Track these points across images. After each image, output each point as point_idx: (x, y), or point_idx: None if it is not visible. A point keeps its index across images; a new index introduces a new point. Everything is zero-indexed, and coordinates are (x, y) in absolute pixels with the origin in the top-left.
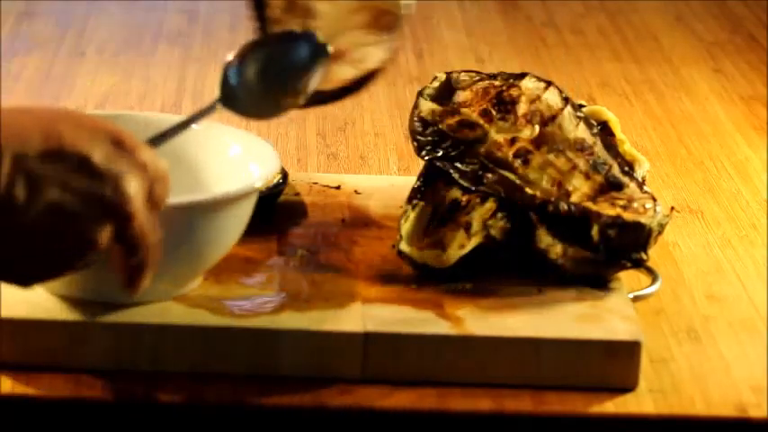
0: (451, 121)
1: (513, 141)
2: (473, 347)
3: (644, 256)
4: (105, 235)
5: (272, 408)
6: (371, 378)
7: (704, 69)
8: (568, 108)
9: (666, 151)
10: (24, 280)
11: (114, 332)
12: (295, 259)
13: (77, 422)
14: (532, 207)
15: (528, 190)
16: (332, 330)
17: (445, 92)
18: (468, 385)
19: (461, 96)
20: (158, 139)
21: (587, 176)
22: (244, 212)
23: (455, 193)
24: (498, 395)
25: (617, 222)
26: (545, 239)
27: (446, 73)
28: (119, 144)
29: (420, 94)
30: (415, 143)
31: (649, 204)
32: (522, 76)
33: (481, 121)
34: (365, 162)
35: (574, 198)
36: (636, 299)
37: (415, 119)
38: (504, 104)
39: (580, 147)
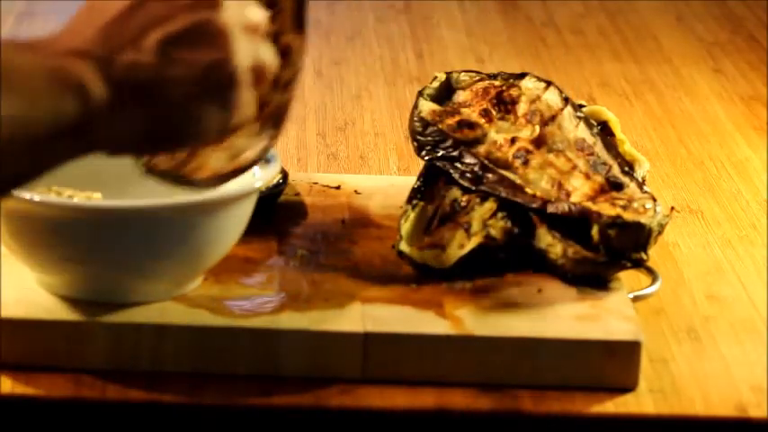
0: (451, 121)
1: (513, 141)
2: (473, 347)
3: (644, 256)
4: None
5: (272, 408)
6: (371, 378)
7: (704, 69)
8: (568, 108)
9: (666, 151)
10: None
11: (114, 332)
12: (295, 259)
13: (77, 422)
14: (532, 207)
15: (528, 190)
16: (332, 330)
17: (445, 92)
18: (468, 385)
19: (461, 96)
20: None
21: (587, 176)
22: (244, 212)
23: (455, 193)
24: (498, 395)
25: (617, 222)
26: (545, 239)
27: (446, 73)
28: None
29: (420, 94)
30: (415, 143)
31: (649, 204)
32: (522, 76)
33: (481, 121)
34: (365, 162)
35: (574, 198)
36: (636, 299)
37: (415, 119)
38: (504, 104)
39: (580, 147)
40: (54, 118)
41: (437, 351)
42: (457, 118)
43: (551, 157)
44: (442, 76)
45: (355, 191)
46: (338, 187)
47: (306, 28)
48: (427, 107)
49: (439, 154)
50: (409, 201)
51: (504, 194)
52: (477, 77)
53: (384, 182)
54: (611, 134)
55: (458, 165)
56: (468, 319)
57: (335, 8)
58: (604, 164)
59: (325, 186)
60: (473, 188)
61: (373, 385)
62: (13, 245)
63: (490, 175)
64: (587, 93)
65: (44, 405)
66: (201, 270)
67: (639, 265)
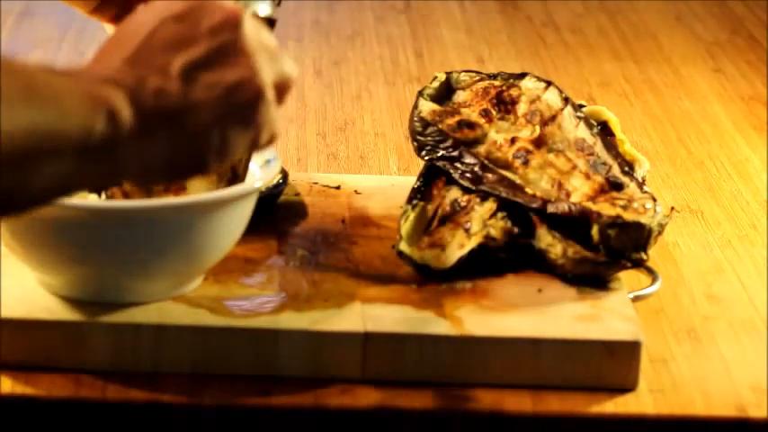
0: (451, 121)
1: (513, 141)
2: (473, 347)
3: (644, 256)
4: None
5: (272, 408)
6: (371, 378)
7: (704, 69)
8: (568, 108)
9: (666, 151)
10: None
11: (114, 332)
12: (295, 259)
13: (77, 422)
14: (532, 207)
15: (528, 190)
16: (332, 330)
17: (445, 92)
18: (468, 385)
19: (461, 96)
20: None
21: (587, 176)
22: (244, 212)
23: (455, 193)
24: (498, 395)
25: (617, 222)
26: (545, 239)
27: (446, 73)
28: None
29: (420, 94)
30: (415, 143)
31: (649, 204)
32: (522, 76)
33: (481, 121)
34: (365, 162)
35: (574, 198)
36: (636, 299)
37: (415, 119)
38: (504, 104)
39: (580, 147)
40: (83, 136)
41: (437, 351)
42: (457, 118)
43: (551, 157)
44: (442, 76)
45: (355, 191)
46: (338, 187)
47: None
48: (427, 107)
49: (439, 154)
50: (409, 201)
51: (504, 194)
52: (477, 77)
53: (384, 182)
54: (611, 134)
55: (458, 165)
56: (468, 319)
57: (335, 8)
58: (604, 164)
59: (325, 186)
60: (473, 188)
61: (373, 385)
62: (14, 245)
63: (490, 175)
64: (587, 93)
65: (44, 405)
66: (201, 270)
67: (639, 265)
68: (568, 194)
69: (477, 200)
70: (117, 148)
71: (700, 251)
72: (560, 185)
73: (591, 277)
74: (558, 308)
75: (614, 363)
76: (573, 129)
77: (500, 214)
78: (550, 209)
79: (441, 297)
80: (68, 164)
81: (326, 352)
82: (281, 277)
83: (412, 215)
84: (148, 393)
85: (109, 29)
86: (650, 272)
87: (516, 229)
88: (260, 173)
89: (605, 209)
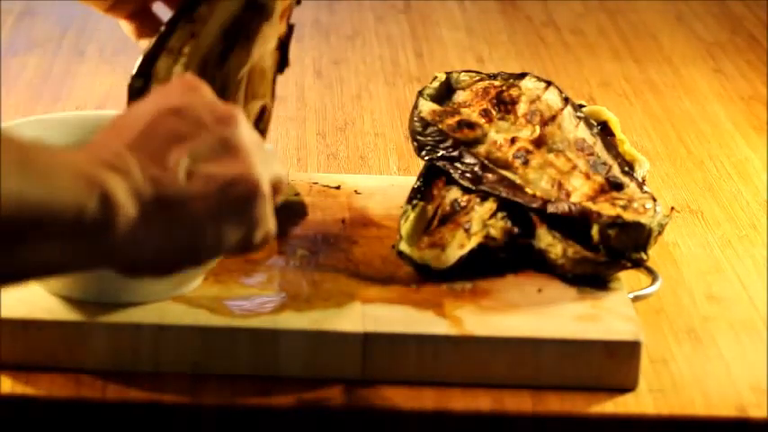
0: (451, 121)
1: (513, 141)
2: (473, 347)
3: (644, 256)
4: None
5: (272, 408)
6: (371, 378)
7: (704, 69)
8: (568, 108)
9: (666, 151)
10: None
11: (114, 332)
12: (295, 259)
13: (77, 422)
14: (532, 207)
15: (528, 190)
16: (332, 330)
17: (445, 92)
18: (468, 385)
19: (461, 96)
20: None
21: (587, 176)
22: None
23: (455, 193)
24: (498, 395)
25: (617, 222)
26: (545, 239)
27: (446, 73)
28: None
29: (420, 94)
30: (415, 143)
31: (649, 204)
32: (522, 76)
33: (481, 121)
34: (365, 162)
35: (574, 198)
36: (636, 299)
37: (415, 119)
38: (504, 104)
39: (580, 147)
40: (74, 215)
41: (437, 351)
42: (457, 118)
43: (551, 157)
44: (442, 76)
45: (355, 191)
46: (338, 187)
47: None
48: (427, 107)
49: (439, 154)
50: (409, 201)
51: (504, 194)
52: (477, 77)
53: (384, 182)
54: (611, 134)
55: (458, 165)
56: (468, 319)
57: (335, 8)
58: (604, 164)
59: (325, 186)
60: (473, 188)
61: (373, 385)
62: None
63: (490, 175)
64: (587, 93)
65: (44, 405)
66: (201, 270)
67: (639, 265)
68: (568, 194)
69: (477, 200)
70: (108, 233)
71: (700, 251)
72: (560, 185)
73: (591, 277)
74: (558, 308)
75: (614, 363)
76: (573, 129)
77: (500, 214)
78: (550, 209)
79: (441, 297)
80: (57, 244)
81: (326, 352)
82: (281, 277)
83: (412, 215)
84: (148, 393)
85: (125, 26)
86: (650, 272)
87: (516, 229)
88: None
89: (605, 209)
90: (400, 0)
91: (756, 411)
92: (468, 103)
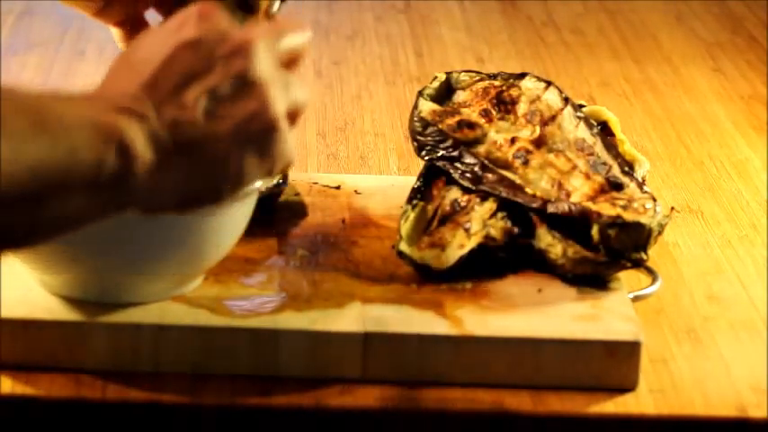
0: (451, 121)
1: (513, 141)
2: (473, 347)
3: (644, 256)
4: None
5: (272, 408)
6: (371, 378)
7: (704, 69)
8: (568, 108)
9: (666, 151)
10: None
11: (114, 332)
12: (295, 259)
13: (77, 422)
14: (532, 207)
15: (528, 190)
16: (332, 330)
17: (445, 92)
18: (468, 385)
19: (461, 96)
20: None
21: (587, 176)
22: (244, 212)
23: (455, 193)
24: (498, 395)
25: (617, 222)
26: (545, 239)
27: (446, 73)
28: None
29: (420, 94)
30: (415, 143)
31: (649, 204)
32: (522, 76)
33: (481, 121)
34: (365, 162)
35: (574, 198)
36: (636, 299)
37: (415, 119)
38: (504, 104)
39: (580, 147)
40: (93, 170)
41: (437, 351)
42: (457, 118)
43: (551, 157)
44: (442, 76)
45: (355, 191)
46: (338, 187)
47: None
48: (427, 107)
49: (439, 154)
50: (409, 201)
51: (504, 194)
52: (477, 77)
53: (384, 182)
54: (611, 134)
55: (458, 165)
56: (468, 319)
57: (335, 8)
58: (604, 164)
59: (325, 186)
60: (473, 188)
61: (373, 385)
62: None
63: (490, 175)
64: (587, 93)
65: (44, 405)
66: (201, 270)
67: (639, 265)
68: (568, 194)
69: (477, 200)
70: (128, 181)
71: (700, 251)
72: (560, 185)
73: (591, 277)
74: (558, 308)
75: (614, 363)
76: (573, 129)
77: (500, 214)
78: (550, 209)
79: (441, 297)
80: (78, 199)
81: (326, 352)
82: (281, 277)
83: (412, 215)
84: (148, 393)
85: (115, 33)
86: (650, 272)
87: (516, 229)
88: None
89: (605, 209)
90: (400, 0)
91: (756, 411)
92: (468, 103)
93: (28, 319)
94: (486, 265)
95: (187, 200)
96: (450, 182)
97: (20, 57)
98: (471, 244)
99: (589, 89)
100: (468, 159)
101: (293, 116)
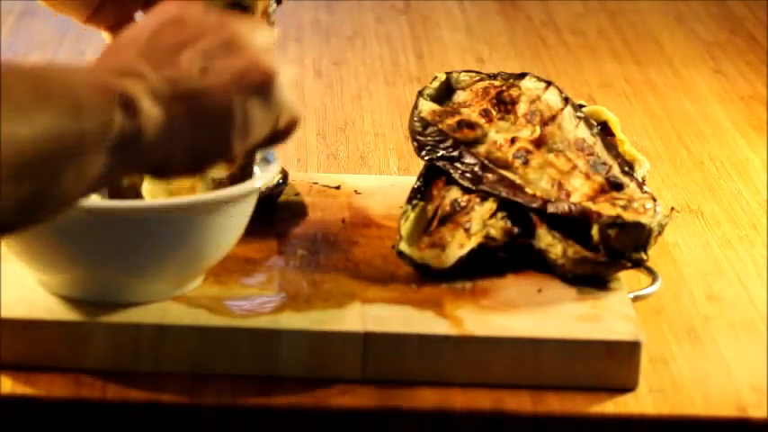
0: (451, 121)
1: (513, 141)
2: (473, 347)
3: (644, 256)
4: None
5: (272, 408)
6: (371, 378)
7: (704, 70)
8: (568, 108)
9: (666, 151)
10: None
11: (114, 332)
12: (295, 259)
13: (77, 422)
14: (532, 207)
15: (528, 190)
16: (332, 330)
17: (445, 92)
18: (468, 385)
19: (461, 96)
20: None
21: (587, 176)
22: (244, 212)
23: (455, 193)
24: (498, 395)
25: (617, 222)
26: (545, 239)
27: (446, 73)
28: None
29: (420, 94)
30: (415, 143)
31: (649, 204)
32: (522, 76)
33: (481, 121)
34: (365, 162)
35: (574, 198)
36: (636, 299)
37: (415, 119)
38: (504, 104)
39: (580, 147)
40: (101, 131)
41: (437, 351)
42: (457, 118)
43: (551, 157)
44: (442, 76)
45: (355, 191)
46: (338, 187)
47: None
48: (427, 107)
49: (439, 154)
50: (409, 201)
51: (504, 194)
52: (477, 77)
53: (384, 182)
54: (611, 134)
55: (458, 165)
56: (468, 319)
57: (335, 8)
58: (604, 164)
59: (325, 186)
60: (473, 188)
61: (373, 385)
62: (14, 245)
63: (490, 175)
64: (587, 93)
65: (44, 405)
66: (201, 270)
67: (639, 265)
68: (568, 194)
69: (477, 200)
70: (138, 138)
71: (700, 251)
72: (560, 185)
73: (591, 277)
74: (558, 308)
75: (614, 363)
76: (573, 129)
77: (500, 214)
78: (550, 209)
79: (441, 297)
80: (91, 161)
81: (326, 352)
82: (281, 277)
83: (412, 215)
84: (148, 393)
85: (107, 38)
86: (650, 272)
87: (516, 229)
88: (260, 173)
89: (605, 209)
90: (400, 0)
91: (756, 411)
92: (468, 103)
93: (28, 319)
94: (486, 265)
95: (199, 156)
96: (450, 182)
97: (20, 57)
98: (471, 244)
99: (589, 90)
100: (468, 159)
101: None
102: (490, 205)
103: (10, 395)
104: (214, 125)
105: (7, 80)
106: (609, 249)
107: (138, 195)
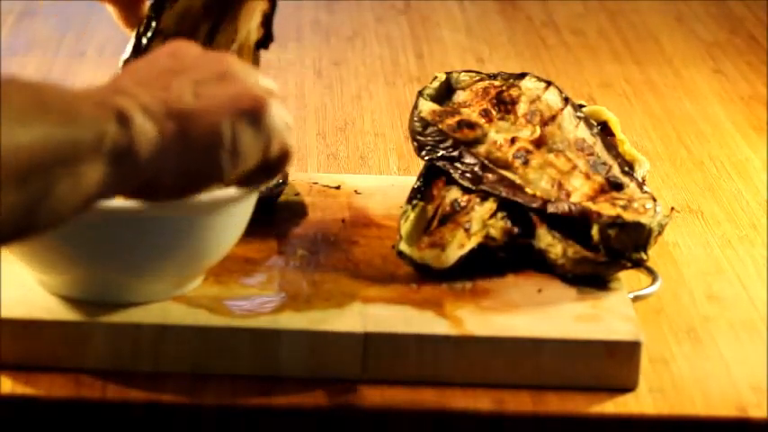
0: (451, 121)
1: (513, 141)
2: (473, 347)
3: (644, 256)
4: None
5: (272, 408)
6: (371, 378)
7: (704, 70)
8: (568, 108)
9: (666, 151)
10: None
11: (114, 332)
12: (295, 259)
13: (77, 422)
14: (532, 207)
15: (528, 190)
16: (332, 330)
17: (445, 92)
18: (468, 385)
19: (461, 96)
20: None
21: (587, 176)
22: (244, 212)
23: (455, 193)
24: (498, 395)
25: (617, 222)
26: (545, 239)
27: (446, 73)
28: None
29: (420, 94)
30: (415, 143)
31: (649, 204)
32: (522, 76)
33: (481, 121)
34: (365, 162)
35: (574, 198)
36: (636, 299)
37: (415, 119)
38: (504, 104)
39: (580, 147)
40: (96, 141)
41: (437, 351)
42: (457, 118)
43: (551, 157)
44: (442, 76)
45: (355, 191)
46: (338, 187)
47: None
48: (427, 107)
49: (439, 154)
50: (409, 201)
51: (504, 194)
52: (477, 77)
53: (384, 182)
54: (611, 134)
55: (458, 165)
56: (468, 319)
57: (335, 8)
58: (604, 164)
59: (325, 186)
60: (473, 188)
61: (373, 385)
62: (14, 245)
63: (490, 175)
64: (587, 93)
65: (44, 405)
66: (201, 270)
67: (639, 265)
68: (568, 194)
69: (477, 200)
70: (131, 153)
71: (700, 251)
72: (560, 185)
73: (591, 277)
74: (558, 308)
75: (614, 363)
76: (573, 129)
77: (500, 214)
78: (550, 209)
79: (441, 297)
80: (86, 172)
81: (326, 352)
82: (281, 277)
83: (412, 215)
84: (148, 393)
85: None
86: (650, 272)
87: (516, 229)
88: None
89: (605, 209)
90: (400, 0)
91: (756, 411)
92: (468, 103)
93: (28, 319)
94: (486, 265)
95: (189, 177)
96: (450, 182)
97: (20, 57)
98: (471, 244)
99: (589, 90)
100: (468, 159)
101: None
102: (490, 205)
103: (10, 395)
104: (204, 146)
105: (7, 90)
106: (609, 249)
107: None
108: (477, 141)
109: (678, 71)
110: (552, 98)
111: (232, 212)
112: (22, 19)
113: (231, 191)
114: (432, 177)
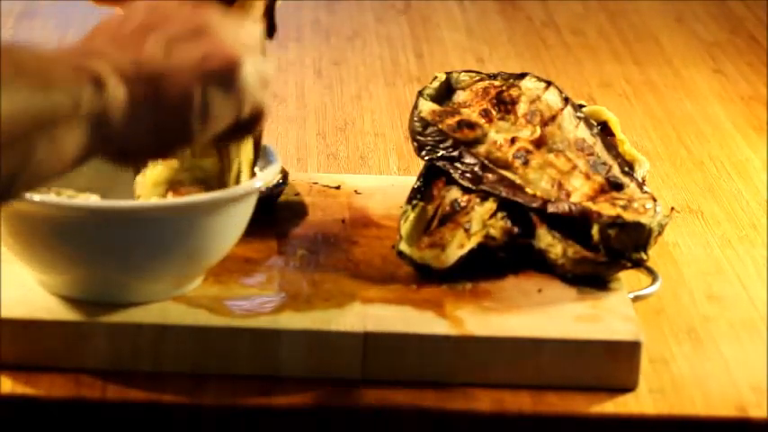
0: (451, 121)
1: (513, 141)
2: (473, 347)
3: (644, 256)
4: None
5: (272, 408)
6: (371, 378)
7: (704, 70)
8: (568, 108)
9: (666, 151)
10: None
11: (114, 332)
12: (295, 259)
13: (77, 422)
14: (532, 207)
15: (528, 190)
16: (332, 330)
17: (445, 92)
18: (468, 385)
19: (461, 96)
20: None
21: (587, 176)
22: (244, 212)
23: (455, 193)
24: (498, 395)
25: (617, 222)
26: (545, 239)
27: (446, 73)
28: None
29: (420, 94)
30: (415, 143)
31: (649, 204)
32: (522, 76)
33: (481, 121)
34: (365, 162)
35: (574, 198)
36: (636, 299)
37: (415, 119)
38: (504, 104)
39: (580, 147)
40: (73, 105)
41: (437, 351)
42: (457, 118)
43: (551, 157)
44: (442, 76)
45: (355, 191)
46: (338, 187)
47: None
48: (427, 107)
49: (439, 154)
50: (409, 201)
51: (504, 194)
52: (477, 77)
53: (384, 182)
54: (611, 134)
55: (458, 165)
56: (468, 319)
57: (335, 8)
58: (604, 164)
59: (325, 186)
60: (473, 188)
61: (373, 385)
62: (14, 245)
63: (490, 175)
64: (587, 93)
65: (44, 405)
66: (201, 270)
67: (639, 265)
68: (568, 194)
69: (477, 200)
70: (105, 117)
71: (700, 251)
72: (560, 185)
73: (591, 277)
74: (559, 308)
75: (614, 363)
76: (573, 129)
77: (500, 214)
78: (550, 209)
79: (441, 297)
80: (64, 136)
81: (326, 352)
82: (281, 277)
83: (412, 215)
84: (148, 393)
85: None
86: (650, 272)
87: (516, 229)
88: (260, 173)
89: (605, 209)
90: (400, 0)
91: (756, 411)
92: (468, 103)
93: (28, 319)
94: (486, 265)
95: (161, 139)
96: (450, 182)
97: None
98: (471, 244)
99: (589, 90)
100: (468, 159)
101: (263, 86)
102: (490, 205)
103: (10, 395)
104: (174, 109)
105: None
106: (609, 249)
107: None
108: (477, 141)
109: (678, 71)
110: (552, 98)
111: (232, 212)
112: (22, 19)
113: (231, 191)
114: (432, 177)
